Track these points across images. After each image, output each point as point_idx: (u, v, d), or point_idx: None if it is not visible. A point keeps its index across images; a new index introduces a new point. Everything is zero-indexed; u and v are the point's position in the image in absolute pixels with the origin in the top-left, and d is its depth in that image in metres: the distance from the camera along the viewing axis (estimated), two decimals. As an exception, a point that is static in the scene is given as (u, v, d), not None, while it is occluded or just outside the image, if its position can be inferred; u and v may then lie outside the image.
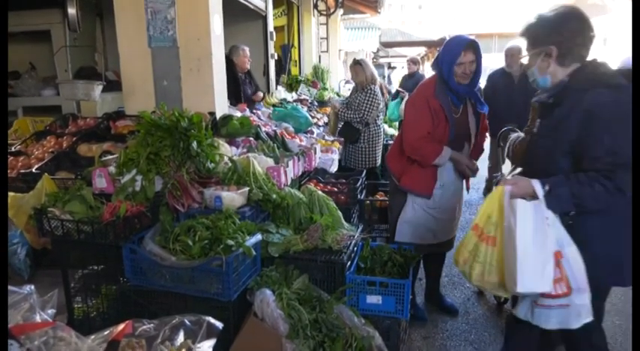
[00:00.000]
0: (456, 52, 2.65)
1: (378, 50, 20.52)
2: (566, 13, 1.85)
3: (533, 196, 1.80)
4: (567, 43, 1.83)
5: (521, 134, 2.62)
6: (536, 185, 1.79)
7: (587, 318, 1.82)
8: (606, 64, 1.86)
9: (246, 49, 5.31)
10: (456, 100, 2.81)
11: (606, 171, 1.71)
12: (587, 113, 1.75)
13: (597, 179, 1.71)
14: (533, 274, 1.75)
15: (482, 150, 3.10)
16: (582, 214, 1.83)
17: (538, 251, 1.75)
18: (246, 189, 2.48)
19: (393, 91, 7.23)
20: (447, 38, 2.84)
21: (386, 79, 14.61)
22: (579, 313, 1.81)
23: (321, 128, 5.25)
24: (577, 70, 1.85)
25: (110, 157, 2.77)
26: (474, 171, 2.96)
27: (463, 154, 2.92)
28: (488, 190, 5.96)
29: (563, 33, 1.83)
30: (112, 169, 2.47)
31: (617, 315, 3.19)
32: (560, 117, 1.85)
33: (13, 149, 3.39)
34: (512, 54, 5.32)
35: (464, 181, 3.07)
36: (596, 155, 1.73)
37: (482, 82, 4.44)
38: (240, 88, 5.20)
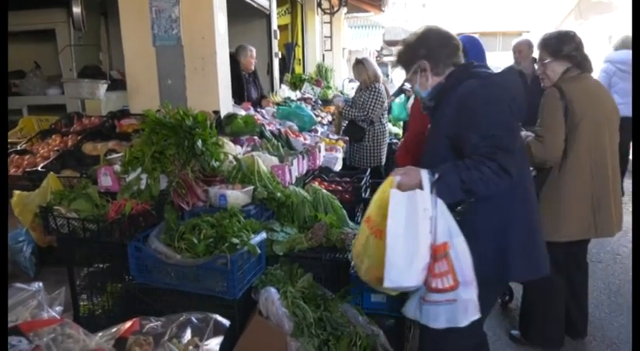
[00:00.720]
0: None
1: (381, 48, 20.48)
2: (424, 31, 2.00)
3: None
4: (434, 55, 1.95)
5: (531, 134, 2.61)
6: (424, 174, 1.73)
7: (475, 315, 1.74)
8: (478, 63, 1.99)
9: (253, 49, 5.31)
10: None
11: (488, 153, 1.71)
12: (459, 104, 1.83)
13: (482, 162, 1.70)
14: (400, 268, 1.67)
15: None
16: (470, 210, 1.82)
17: (408, 244, 1.67)
18: (251, 187, 2.49)
19: (392, 91, 7.12)
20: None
21: (389, 78, 14.56)
22: (466, 308, 1.73)
23: (325, 127, 5.25)
24: (451, 72, 1.95)
25: (115, 155, 2.78)
26: None
27: None
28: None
29: (427, 47, 1.96)
30: (117, 167, 2.48)
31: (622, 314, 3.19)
32: (439, 116, 1.94)
33: (18, 148, 3.40)
34: (519, 50, 4.95)
35: None
36: (475, 141, 1.74)
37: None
38: (244, 87, 5.20)
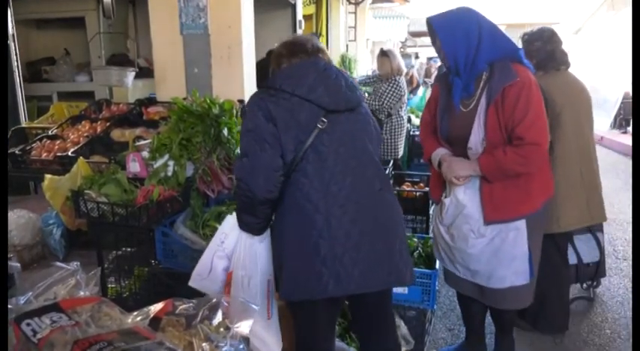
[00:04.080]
0: None
1: (406, 40, 20.25)
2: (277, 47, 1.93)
3: None
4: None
5: None
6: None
7: None
8: None
9: None
10: (469, 89, 2.07)
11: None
12: None
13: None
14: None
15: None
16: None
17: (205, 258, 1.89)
18: (275, 176, 2.50)
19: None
20: None
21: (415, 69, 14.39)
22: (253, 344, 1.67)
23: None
24: None
25: (143, 142, 2.83)
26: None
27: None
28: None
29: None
30: (145, 153, 2.53)
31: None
32: None
33: (50, 133, 3.49)
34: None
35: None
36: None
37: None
38: None
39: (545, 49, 2.65)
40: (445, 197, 2.22)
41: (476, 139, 2.05)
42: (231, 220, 1.87)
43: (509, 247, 2.10)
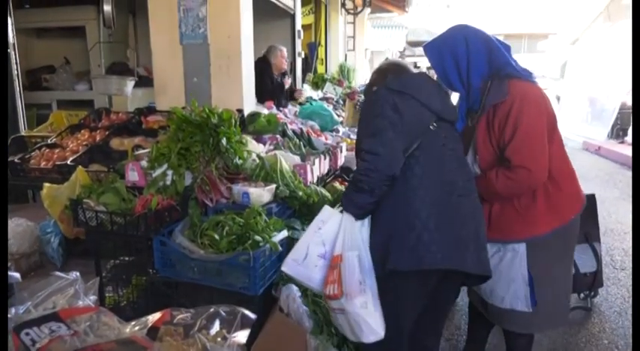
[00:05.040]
0: None
1: (404, 49, 20.39)
2: (380, 65, 2.46)
3: None
4: (383, 78, 2.16)
5: None
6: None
7: (375, 335, 1.81)
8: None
9: (284, 49, 5.32)
10: (475, 105, 2.10)
11: (361, 147, 1.91)
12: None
13: (357, 165, 1.94)
14: (296, 261, 1.94)
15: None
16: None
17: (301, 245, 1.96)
18: (273, 186, 2.52)
19: None
20: None
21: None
22: (358, 323, 1.80)
23: (347, 127, 5.27)
24: None
25: (142, 151, 2.84)
26: None
27: None
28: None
29: (379, 74, 2.30)
30: (144, 163, 2.54)
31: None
32: None
33: (49, 141, 3.50)
34: None
35: None
36: (360, 138, 2.00)
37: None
38: (273, 90, 5.20)
39: None
40: None
41: (471, 155, 2.11)
42: (328, 209, 2.00)
43: (506, 268, 2.10)
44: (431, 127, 1.89)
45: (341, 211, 1.95)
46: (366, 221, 1.93)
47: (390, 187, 1.83)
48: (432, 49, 2.11)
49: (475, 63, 2.02)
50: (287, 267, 1.95)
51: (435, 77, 2.18)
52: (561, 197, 2.06)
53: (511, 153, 1.95)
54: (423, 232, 1.79)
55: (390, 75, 2.11)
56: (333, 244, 1.90)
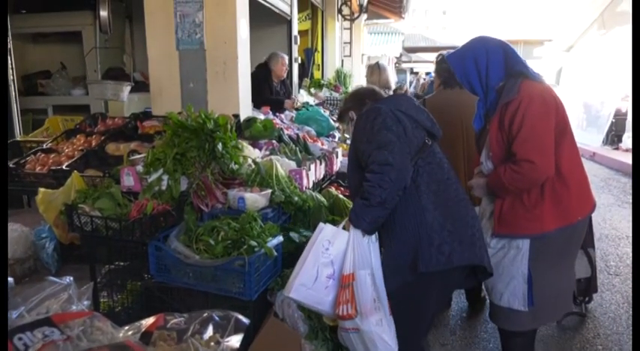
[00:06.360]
0: None
1: (400, 55, 20.48)
2: (354, 90, 2.50)
3: None
4: (360, 103, 2.25)
5: None
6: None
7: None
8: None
9: (285, 56, 5.33)
10: (494, 107, 2.19)
11: (369, 161, 1.91)
12: (355, 127, 2.12)
13: (367, 179, 1.88)
14: (305, 285, 1.89)
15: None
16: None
17: (308, 268, 1.90)
18: (269, 191, 2.52)
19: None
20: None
21: (412, 85, 14.46)
22: (373, 341, 1.84)
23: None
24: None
25: (138, 156, 2.84)
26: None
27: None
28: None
29: (355, 99, 2.32)
30: (139, 168, 2.54)
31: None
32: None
33: (44, 146, 3.49)
34: None
35: None
36: (366, 153, 1.95)
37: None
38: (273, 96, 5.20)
39: (449, 69, 2.73)
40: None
41: (485, 152, 2.24)
42: (330, 228, 1.95)
43: (508, 264, 2.18)
44: (426, 141, 2.04)
45: (343, 228, 1.96)
46: (374, 237, 1.96)
47: (400, 198, 1.90)
48: (456, 59, 2.27)
49: (494, 67, 2.16)
50: (296, 293, 1.88)
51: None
52: (570, 197, 2.14)
53: (516, 147, 2.04)
54: (443, 233, 1.91)
55: (367, 100, 2.22)
56: (341, 264, 1.90)
